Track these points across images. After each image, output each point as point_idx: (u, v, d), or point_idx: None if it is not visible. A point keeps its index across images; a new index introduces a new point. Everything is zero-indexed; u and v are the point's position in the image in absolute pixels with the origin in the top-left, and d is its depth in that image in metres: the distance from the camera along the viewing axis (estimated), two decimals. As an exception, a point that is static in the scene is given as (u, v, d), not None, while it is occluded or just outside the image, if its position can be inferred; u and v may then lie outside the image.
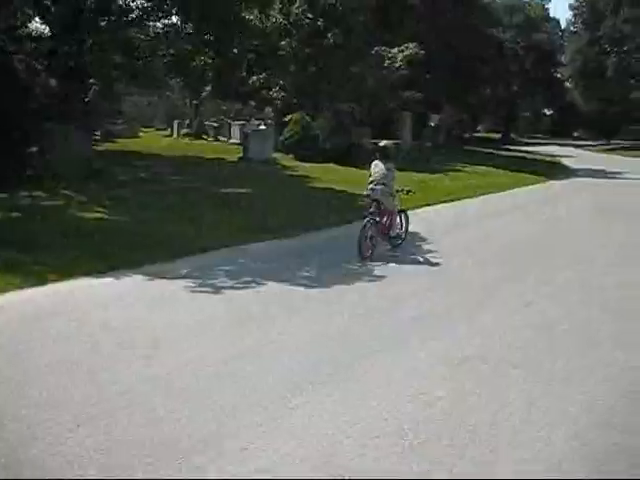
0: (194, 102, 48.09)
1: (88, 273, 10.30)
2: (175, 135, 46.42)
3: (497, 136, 73.36)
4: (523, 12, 77.23)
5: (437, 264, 12.10)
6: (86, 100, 20.49)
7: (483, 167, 32.64)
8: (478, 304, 9.68)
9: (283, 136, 29.37)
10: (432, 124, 48.96)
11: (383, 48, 33.51)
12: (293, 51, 30.81)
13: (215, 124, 44.13)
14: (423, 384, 6.59)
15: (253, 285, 9.93)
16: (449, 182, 25.11)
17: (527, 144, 66.33)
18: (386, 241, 12.81)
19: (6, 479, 4.74)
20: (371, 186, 12.49)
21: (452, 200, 20.87)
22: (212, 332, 7.96)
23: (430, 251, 13.09)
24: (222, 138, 41.30)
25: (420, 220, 15.33)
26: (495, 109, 72.48)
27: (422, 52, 33.72)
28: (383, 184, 12.40)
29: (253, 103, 42.93)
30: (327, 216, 16.15)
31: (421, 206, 17.82)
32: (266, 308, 8.87)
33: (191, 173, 22.76)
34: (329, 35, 29.89)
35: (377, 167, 12.67)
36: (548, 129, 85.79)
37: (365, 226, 12.06)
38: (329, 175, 24.33)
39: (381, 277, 10.89)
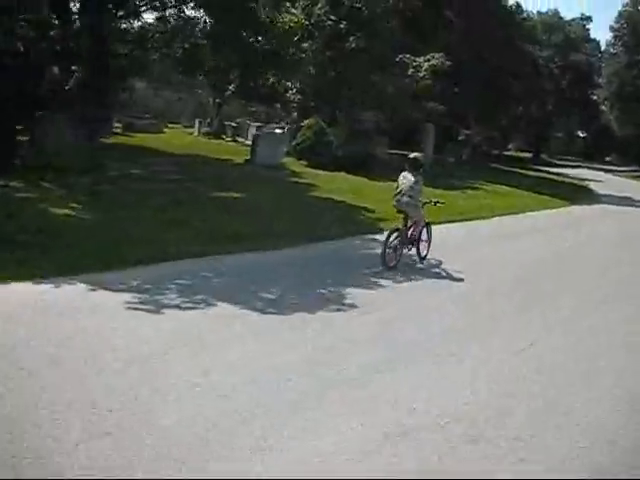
0: (216, 101, 47.22)
1: (29, 277, 9.20)
2: (196, 133, 46.02)
3: (528, 155, 71.84)
4: (563, 31, 75.70)
5: (430, 288, 10.93)
6: (67, 88, 19.35)
7: (506, 187, 31.21)
8: (474, 337, 8.66)
9: (295, 141, 28.23)
10: (460, 138, 47.73)
11: (407, 56, 32.12)
12: (313, 54, 29.60)
13: (234, 124, 43.20)
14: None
15: (202, 306, 8.71)
16: (464, 201, 23.60)
17: (557, 165, 64.80)
18: (415, 253, 12.78)
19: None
20: (397, 197, 12.41)
21: (463, 220, 19.35)
22: (149, 354, 6.96)
23: (415, 278, 11.87)
24: (240, 139, 40.32)
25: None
26: (527, 128, 70.95)
27: (448, 63, 32.23)
28: (410, 196, 12.26)
29: (278, 105, 41.97)
30: (314, 229, 14.80)
31: (425, 225, 16.63)
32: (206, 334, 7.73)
33: (191, 173, 21.60)
34: (351, 39, 28.65)
35: (405, 178, 12.46)
36: (581, 151, 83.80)
37: (389, 236, 11.93)
38: (335, 184, 23.03)
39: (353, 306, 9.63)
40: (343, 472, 5.07)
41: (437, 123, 37.77)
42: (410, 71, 31.61)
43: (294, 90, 31.15)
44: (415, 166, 12.63)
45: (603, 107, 75.44)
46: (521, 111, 62.79)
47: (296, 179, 23.76)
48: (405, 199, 12.26)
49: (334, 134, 28.26)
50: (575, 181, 44.44)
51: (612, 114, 70.42)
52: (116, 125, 45.09)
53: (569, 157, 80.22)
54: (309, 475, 5.00)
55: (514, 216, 22.70)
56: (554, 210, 26.10)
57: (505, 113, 55.72)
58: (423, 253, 12.96)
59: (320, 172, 25.85)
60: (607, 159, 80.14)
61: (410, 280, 11.38)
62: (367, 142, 30.86)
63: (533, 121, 68.35)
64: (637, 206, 31.32)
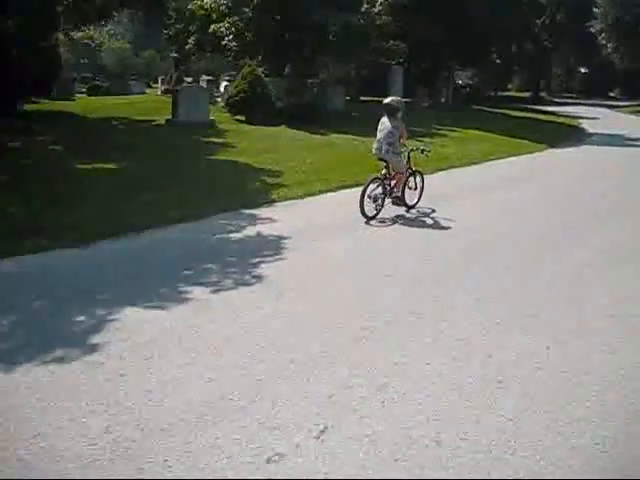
0: (174, 56, 44.20)
1: None
2: (159, 92, 44.06)
3: (527, 95, 68.20)
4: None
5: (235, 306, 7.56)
6: None
7: (478, 132, 27.69)
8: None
9: (227, 94, 24.78)
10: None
11: (361, -11, 28.22)
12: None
13: (189, 80, 40.32)
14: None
15: None
16: (413, 152, 19.98)
17: (556, 104, 61.24)
18: (397, 202, 11.91)
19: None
20: (376, 145, 11.65)
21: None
22: None
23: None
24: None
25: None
26: (523, 66, 67.05)
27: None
28: (389, 143, 11.46)
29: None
30: (177, 207, 11.36)
31: (334, 189, 13.47)
32: None
33: (80, 141, 18.30)
34: (287, -28, 24.91)
35: (382, 125, 11.66)
36: (582, 88, 79.97)
37: (368, 186, 11.17)
38: (259, 143, 19.64)
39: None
40: None
41: (410, 64, 34.24)
42: (364, 7, 27.74)
43: (230, 37, 27.44)
44: (391, 111, 11.64)
45: (602, 40, 71.03)
46: (515, 49, 58.89)
47: (212, 139, 20.15)
48: (384, 147, 11.47)
49: (274, 85, 24.79)
50: (567, 120, 40.91)
51: (611, 46, 66.18)
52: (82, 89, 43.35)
53: (571, 94, 76.61)
54: None
55: (472, 167, 19.22)
56: (526, 156, 22.50)
57: (495, 51, 51.73)
58: (412, 202, 12.20)
59: (253, 128, 22.52)
60: (611, 94, 76.23)
61: (243, 284, 7.90)
62: (319, 92, 27.49)
63: (528, 59, 64.47)
64: (627, 145, 27.81)
